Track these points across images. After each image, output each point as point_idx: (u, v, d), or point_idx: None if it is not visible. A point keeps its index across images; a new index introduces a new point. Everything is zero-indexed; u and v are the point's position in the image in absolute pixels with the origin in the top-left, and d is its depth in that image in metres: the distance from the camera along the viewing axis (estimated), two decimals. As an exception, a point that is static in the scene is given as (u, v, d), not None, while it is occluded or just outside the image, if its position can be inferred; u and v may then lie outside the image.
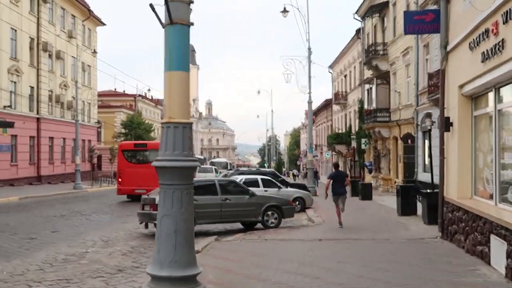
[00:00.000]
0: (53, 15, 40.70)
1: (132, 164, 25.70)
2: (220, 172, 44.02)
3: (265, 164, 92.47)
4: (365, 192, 24.91)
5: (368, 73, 34.96)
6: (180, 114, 5.69)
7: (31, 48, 37.29)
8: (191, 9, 5.76)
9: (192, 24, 5.83)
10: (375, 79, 31.56)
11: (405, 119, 27.24)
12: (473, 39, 9.36)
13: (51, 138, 40.44)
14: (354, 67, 42.75)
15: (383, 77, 31.28)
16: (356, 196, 25.38)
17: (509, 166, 8.69)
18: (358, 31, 39.11)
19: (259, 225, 15.03)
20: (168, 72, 5.74)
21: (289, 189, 21.94)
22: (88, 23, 48.04)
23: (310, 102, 31.92)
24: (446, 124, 11.17)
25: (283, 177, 32.75)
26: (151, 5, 5.55)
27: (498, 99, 9.06)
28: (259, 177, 21.11)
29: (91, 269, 9.12)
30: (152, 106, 72.98)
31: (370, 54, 31.82)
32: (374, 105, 31.87)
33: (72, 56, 43.25)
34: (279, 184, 21.00)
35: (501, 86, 8.87)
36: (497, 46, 8.13)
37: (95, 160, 49.08)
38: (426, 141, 22.98)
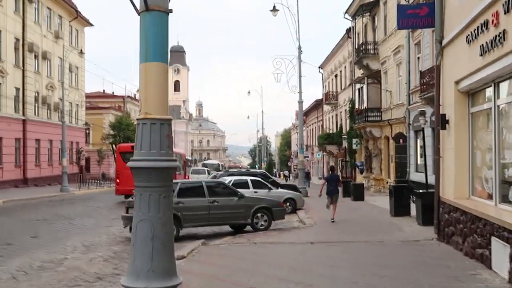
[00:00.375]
0: (39, 15, 39.92)
1: None
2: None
3: (256, 165, 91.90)
4: (357, 193, 24.49)
5: (359, 73, 34.59)
6: (157, 109, 5.14)
7: (16, 49, 36.47)
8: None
9: (171, 11, 5.27)
10: (366, 78, 31.16)
11: (397, 118, 26.89)
12: (471, 32, 8.93)
13: (38, 140, 39.62)
14: (345, 67, 42.38)
15: (374, 77, 30.90)
16: (348, 196, 24.96)
17: (510, 165, 8.26)
18: (348, 30, 38.69)
19: (248, 228, 14.60)
20: (144, 63, 5.17)
21: (280, 190, 21.49)
22: (76, 24, 47.26)
23: (300, 102, 31.33)
24: (442, 122, 10.76)
25: (273, 178, 32.24)
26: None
27: (498, 94, 8.63)
28: (249, 178, 20.61)
29: (68, 277, 8.58)
30: (141, 107, 72.07)
31: (361, 53, 31.44)
32: (365, 105, 31.51)
33: (59, 57, 42.39)
34: (269, 185, 20.52)
35: (501, 81, 8.42)
36: (498, 38, 7.70)
37: (83, 162, 48.31)
38: (419, 140, 22.64)
